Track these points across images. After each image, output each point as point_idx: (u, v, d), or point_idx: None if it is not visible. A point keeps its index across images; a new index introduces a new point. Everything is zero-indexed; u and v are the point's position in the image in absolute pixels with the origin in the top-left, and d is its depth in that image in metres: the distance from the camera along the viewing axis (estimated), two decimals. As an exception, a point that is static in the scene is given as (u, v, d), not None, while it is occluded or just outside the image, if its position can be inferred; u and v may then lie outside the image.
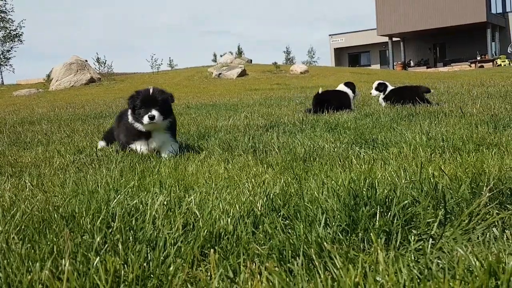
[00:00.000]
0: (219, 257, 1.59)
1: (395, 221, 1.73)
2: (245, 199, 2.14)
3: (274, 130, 5.08)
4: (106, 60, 31.52)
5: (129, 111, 3.82)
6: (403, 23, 42.70)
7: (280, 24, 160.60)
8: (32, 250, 1.63)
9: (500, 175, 2.13)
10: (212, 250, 1.59)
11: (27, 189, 2.73)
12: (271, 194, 2.15)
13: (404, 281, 1.26)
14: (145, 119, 3.66)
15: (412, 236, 1.64)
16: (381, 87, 7.76)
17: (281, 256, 1.58)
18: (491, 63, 37.58)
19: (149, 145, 3.86)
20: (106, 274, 1.44)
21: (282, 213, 1.93)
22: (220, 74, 26.43)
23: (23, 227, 1.91)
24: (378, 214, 1.76)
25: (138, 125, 3.78)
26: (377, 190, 1.97)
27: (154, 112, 3.66)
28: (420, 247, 1.55)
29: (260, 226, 1.84)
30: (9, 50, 42.24)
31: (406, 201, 1.86)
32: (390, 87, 7.72)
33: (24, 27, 44.21)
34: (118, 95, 19.25)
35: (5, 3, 41.44)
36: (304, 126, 5.24)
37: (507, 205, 1.89)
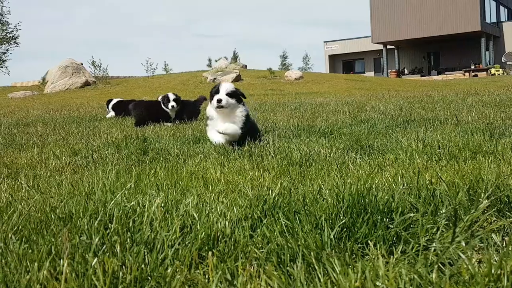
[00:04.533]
0: (217, 260, 1.59)
1: (394, 227, 1.74)
2: (242, 202, 2.14)
3: (270, 135, 5.08)
4: (101, 64, 31.46)
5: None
6: (398, 31, 42.93)
7: (276, 29, 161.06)
8: (30, 250, 1.62)
9: (498, 182, 2.15)
10: (210, 253, 1.59)
11: (24, 190, 2.71)
12: (269, 198, 2.15)
13: (405, 284, 1.27)
14: None
15: (412, 242, 1.64)
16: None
17: (279, 260, 1.58)
18: (485, 72, 37.81)
19: None
20: (104, 275, 1.43)
21: (279, 216, 1.93)
22: (215, 79, 26.43)
23: (20, 227, 1.90)
24: (378, 220, 1.77)
25: None
26: (377, 196, 1.98)
27: None
28: (420, 253, 1.56)
29: (258, 230, 1.84)
30: (5, 53, 42.04)
31: (405, 208, 1.87)
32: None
33: (20, 29, 43.93)
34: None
35: (2, 6, 41.25)
36: (299, 131, 5.25)
37: (506, 212, 1.90)
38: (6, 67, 42.73)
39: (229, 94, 4.10)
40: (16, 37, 42.18)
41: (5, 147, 5.10)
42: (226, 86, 4.15)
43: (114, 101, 9.43)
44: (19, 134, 6.45)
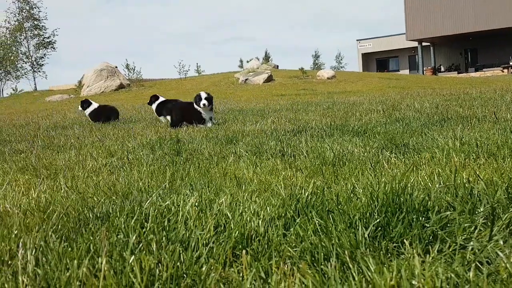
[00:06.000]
0: (251, 258, 1.60)
1: (431, 225, 1.71)
2: (275, 201, 2.14)
3: (302, 134, 5.06)
4: (135, 67, 32.06)
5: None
6: (433, 27, 42.03)
7: (307, 29, 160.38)
8: (70, 249, 1.67)
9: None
10: (244, 251, 1.60)
11: (62, 190, 2.79)
12: (301, 197, 2.15)
13: (441, 282, 1.24)
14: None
15: (448, 241, 1.61)
16: (85, 104, 9.30)
17: (313, 258, 1.57)
18: (525, 68, 36.69)
19: None
20: (142, 272, 1.46)
21: (313, 216, 1.92)
22: (246, 79, 26.52)
23: (59, 226, 1.95)
24: (414, 219, 1.74)
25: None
26: (413, 195, 1.95)
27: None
28: (457, 251, 1.53)
29: (291, 229, 1.84)
30: (42, 57, 43.32)
31: (441, 206, 1.83)
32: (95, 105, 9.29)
33: (57, 35, 45.18)
34: (146, 101, 19.50)
35: (39, 11, 42.53)
36: (332, 130, 5.21)
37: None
38: (43, 71, 44.06)
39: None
40: (53, 42, 43.42)
41: (44, 149, 5.26)
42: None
43: (95, 105, 9.47)
44: (57, 136, 6.64)
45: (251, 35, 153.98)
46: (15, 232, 1.90)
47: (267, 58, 62.02)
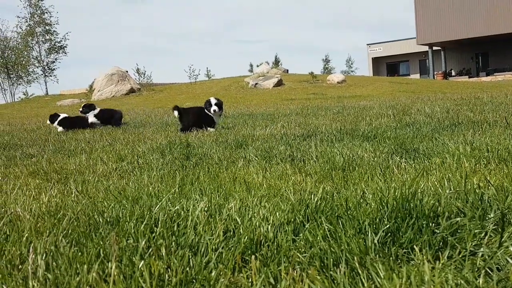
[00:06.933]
0: (260, 263, 1.60)
1: (441, 232, 1.70)
2: (284, 206, 2.14)
3: (312, 139, 5.06)
4: (145, 71, 32.30)
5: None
6: (444, 32, 41.82)
7: (318, 33, 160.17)
8: (80, 253, 1.68)
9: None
10: (253, 257, 1.60)
11: (73, 195, 2.81)
12: (311, 202, 2.14)
13: (452, 290, 1.24)
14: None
15: (458, 247, 1.60)
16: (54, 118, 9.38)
17: (322, 264, 1.57)
18: (537, 72, 36.39)
19: None
20: (151, 277, 1.46)
21: (322, 221, 1.92)
22: (256, 84, 26.56)
23: (70, 230, 1.97)
24: (424, 225, 1.73)
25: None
26: (422, 200, 1.94)
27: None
28: (467, 258, 1.52)
29: (301, 234, 1.84)
30: (54, 62, 43.75)
31: (451, 212, 1.82)
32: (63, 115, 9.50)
33: (68, 39, 45.68)
34: (157, 105, 19.63)
35: (50, 16, 42.94)
36: (342, 135, 5.20)
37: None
38: (55, 75, 44.47)
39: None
40: (64, 47, 43.84)
41: (55, 153, 5.30)
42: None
43: (61, 116, 9.55)
44: (68, 140, 6.69)
45: (261, 38, 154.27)
46: (26, 236, 1.91)
47: (277, 62, 62.06)
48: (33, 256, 1.63)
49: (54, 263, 1.61)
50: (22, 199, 2.76)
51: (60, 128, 9.22)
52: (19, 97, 39.04)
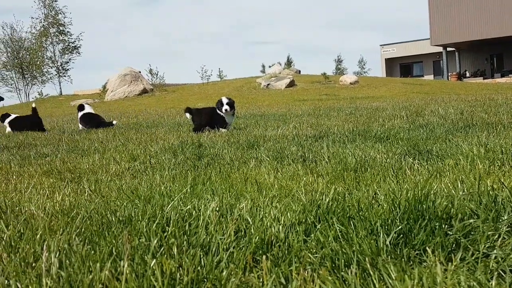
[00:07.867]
0: (271, 264, 1.60)
1: (454, 233, 1.69)
2: (296, 207, 2.14)
3: (324, 140, 5.04)
4: (158, 72, 32.46)
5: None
6: (458, 33, 41.45)
7: (330, 34, 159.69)
8: (92, 251, 1.69)
9: None
10: (264, 257, 1.60)
11: (86, 194, 2.84)
12: (322, 203, 2.14)
13: (464, 292, 1.23)
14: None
15: (471, 249, 1.58)
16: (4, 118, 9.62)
17: (333, 265, 1.57)
18: (552, 73, 35.93)
19: None
20: (163, 276, 1.47)
21: (334, 222, 1.92)
22: (268, 84, 26.57)
23: (83, 229, 1.99)
24: (437, 226, 1.72)
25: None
26: (435, 202, 1.93)
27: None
28: (480, 260, 1.50)
29: (312, 234, 1.83)
30: (67, 62, 44.21)
31: (464, 214, 1.81)
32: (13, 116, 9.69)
33: (82, 40, 46.17)
34: (169, 105, 19.73)
35: (64, 17, 43.42)
36: (354, 136, 5.18)
37: None
38: (69, 75, 44.94)
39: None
40: (78, 47, 44.27)
41: (69, 153, 5.35)
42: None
43: (12, 117, 9.71)
44: (81, 140, 6.75)
45: (273, 39, 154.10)
46: (40, 234, 1.94)
47: (289, 63, 62.05)
48: (47, 254, 1.65)
49: (67, 261, 1.63)
50: (36, 198, 2.79)
51: (8, 129, 9.41)
52: (34, 97, 39.48)
